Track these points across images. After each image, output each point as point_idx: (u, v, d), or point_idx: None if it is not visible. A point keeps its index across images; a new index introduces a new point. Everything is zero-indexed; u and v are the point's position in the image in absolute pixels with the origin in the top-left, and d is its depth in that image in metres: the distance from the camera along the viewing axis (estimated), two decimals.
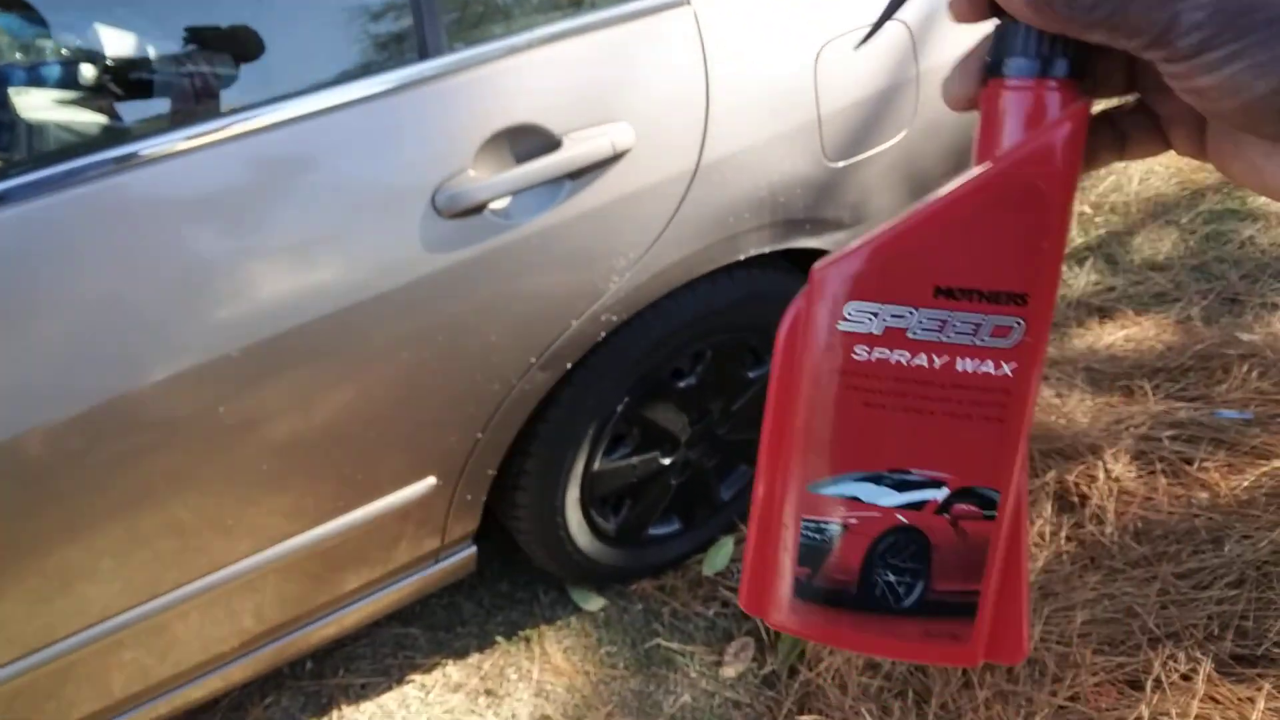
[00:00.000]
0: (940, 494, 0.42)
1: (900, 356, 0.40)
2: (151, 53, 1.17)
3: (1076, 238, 2.77)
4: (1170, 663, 1.63)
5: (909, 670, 1.68)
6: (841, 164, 1.47)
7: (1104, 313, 2.51)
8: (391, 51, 1.17)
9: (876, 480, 0.42)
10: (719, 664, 1.73)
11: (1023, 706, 1.60)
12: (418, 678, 1.68)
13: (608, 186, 1.25)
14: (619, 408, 1.52)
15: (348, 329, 1.15)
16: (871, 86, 1.47)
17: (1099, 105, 0.40)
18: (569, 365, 1.36)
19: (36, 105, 1.28)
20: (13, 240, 1.02)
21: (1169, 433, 2.03)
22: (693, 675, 1.71)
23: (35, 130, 1.35)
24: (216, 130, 1.08)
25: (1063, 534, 1.87)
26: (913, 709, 1.62)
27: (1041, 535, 1.87)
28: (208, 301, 1.09)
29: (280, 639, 1.44)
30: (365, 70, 1.15)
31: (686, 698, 1.68)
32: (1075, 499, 1.93)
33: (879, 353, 0.40)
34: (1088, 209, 2.92)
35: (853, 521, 0.43)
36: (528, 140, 1.22)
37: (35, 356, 1.03)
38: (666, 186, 1.30)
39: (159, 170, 1.06)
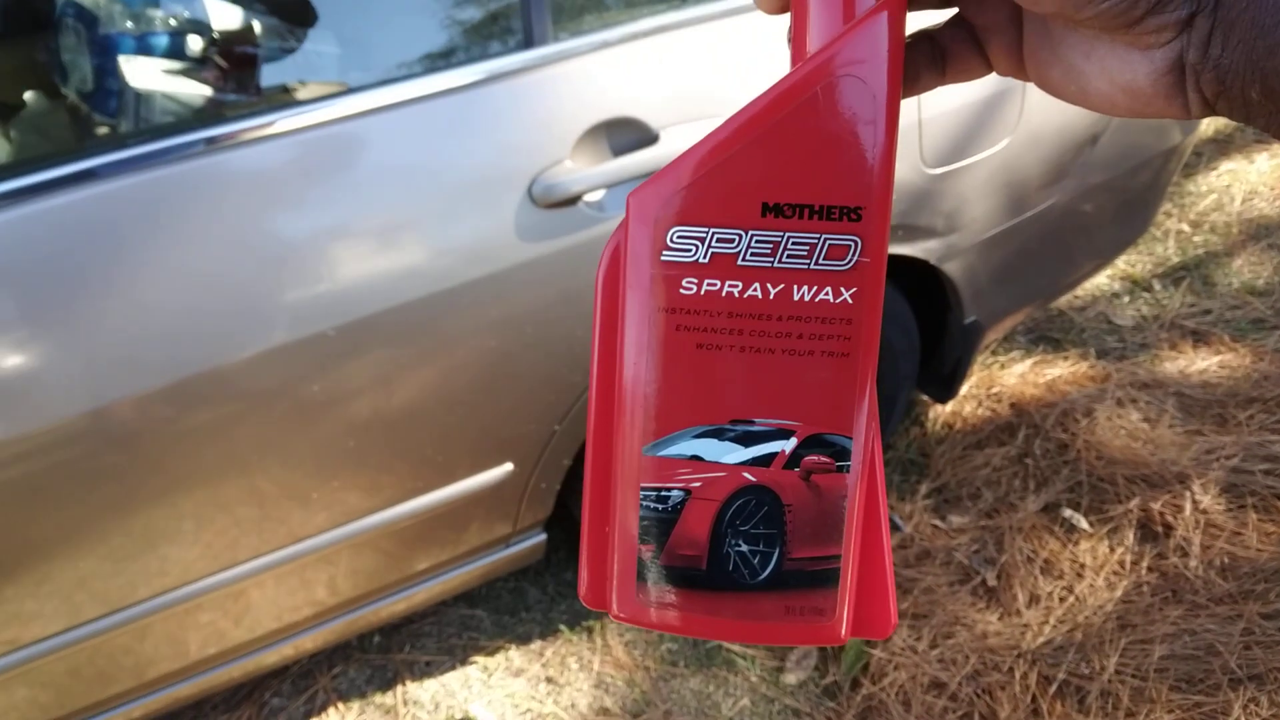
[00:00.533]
0: (788, 445, 0.38)
1: (732, 287, 0.36)
2: (257, 28, 1.19)
3: (1173, 256, 2.68)
4: (1251, 706, 1.57)
5: (976, 693, 1.64)
6: (940, 170, 1.44)
7: (1198, 336, 2.42)
8: (496, 39, 1.18)
9: (718, 435, 0.38)
10: (780, 670, 1.71)
11: None
12: (481, 659, 1.70)
13: None
14: None
15: (437, 313, 1.16)
16: (976, 92, 1.43)
17: (917, 23, 0.37)
18: None
19: (145, 74, 1.31)
20: (119, 211, 1.04)
21: (1263, 466, 1.95)
22: (753, 679, 1.70)
23: (143, 99, 1.39)
24: (318, 111, 1.09)
25: (1144, 564, 1.81)
26: None
27: (1122, 564, 1.82)
28: (302, 281, 1.11)
29: (351, 612, 1.46)
30: (469, 57, 1.16)
31: (746, 701, 1.67)
32: (1159, 529, 1.86)
33: (708, 284, 0.36)
34: (1186, 227, 2.81)
35: (696, 485, 0.38)
36: (625, 133, 1.21)
37: (133, 325, 1.06)
38: None
39: (259, 150, 1.08)
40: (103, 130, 1.44)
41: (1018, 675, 1.64)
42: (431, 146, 1.13)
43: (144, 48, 1.38)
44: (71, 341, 1.05)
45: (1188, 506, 1.87)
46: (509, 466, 1.35)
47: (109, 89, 1.47)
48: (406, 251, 1.14)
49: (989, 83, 1.44)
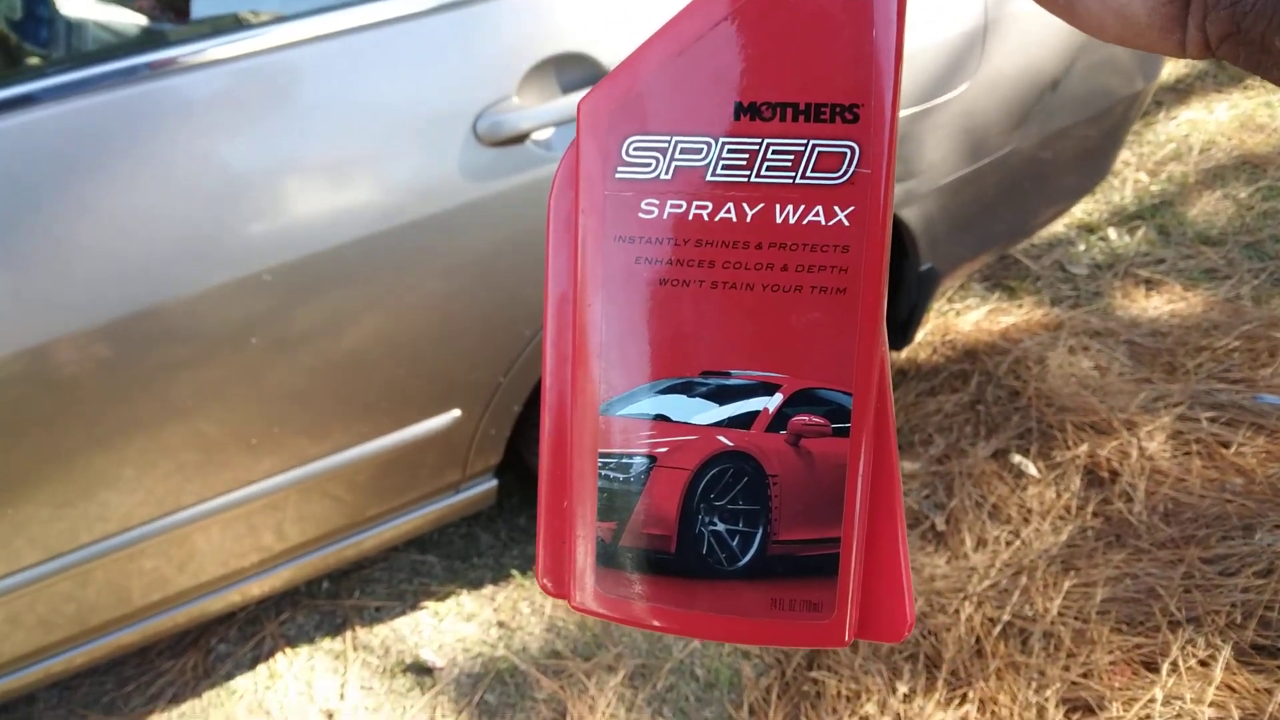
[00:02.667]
0: (772, 402, 0.31)
1: (700, 209, 0.30)
2: None
3: (1129, 205, 2.69)
4: (1189, 647, 1.61)
5: (921, 634, 1.67)
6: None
7: (1151, 285, 2.44)
8: None
9: (687, 390, 0.31)
10: None
11: (1034, 679, 1.59)
12: (432, 605, 1.69)
13: None
14: None
15: (380, 254, 1.13)
16: (936, 35, 1.41)
17: None
18: None
19: (76, 2, 1.25)
20: (47, 141, 1.00)
21: (1208, 414, 1.99)
22: None
23: (74, 28, 1.32)
24: (256, 38, 1.04)
25: (1089, 509, 1.84)
26: (923, 672, 1.62)
27: (1068, 509, 1.85)
28: (240, 217, 1.07)
29: (299, 558, 1.44)
30: None
31: (696, 643, 1.68)
32: (1106, 474, 1.89)
33: (672, 206, 0.30)
34: (1144, 175, 2.82)
35: (662, 450, 0.32)
36: (575, 70, 1.17)
37: (64, 262, 1.02)
38: None
39: (195, 78, 1.03)
40: (32, 59, 1.38)
41: (963, 617, 1.67)
42: (372, 78, 1.09)
43: None
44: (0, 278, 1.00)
45: (1134, 453, 1.90)
46: (456, 413, 1.33)
47: (39, 16, 1.40)
48: (348, 189, 1.10)
49: (949, 25, 1.42)
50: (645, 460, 0.32)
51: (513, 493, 1.85)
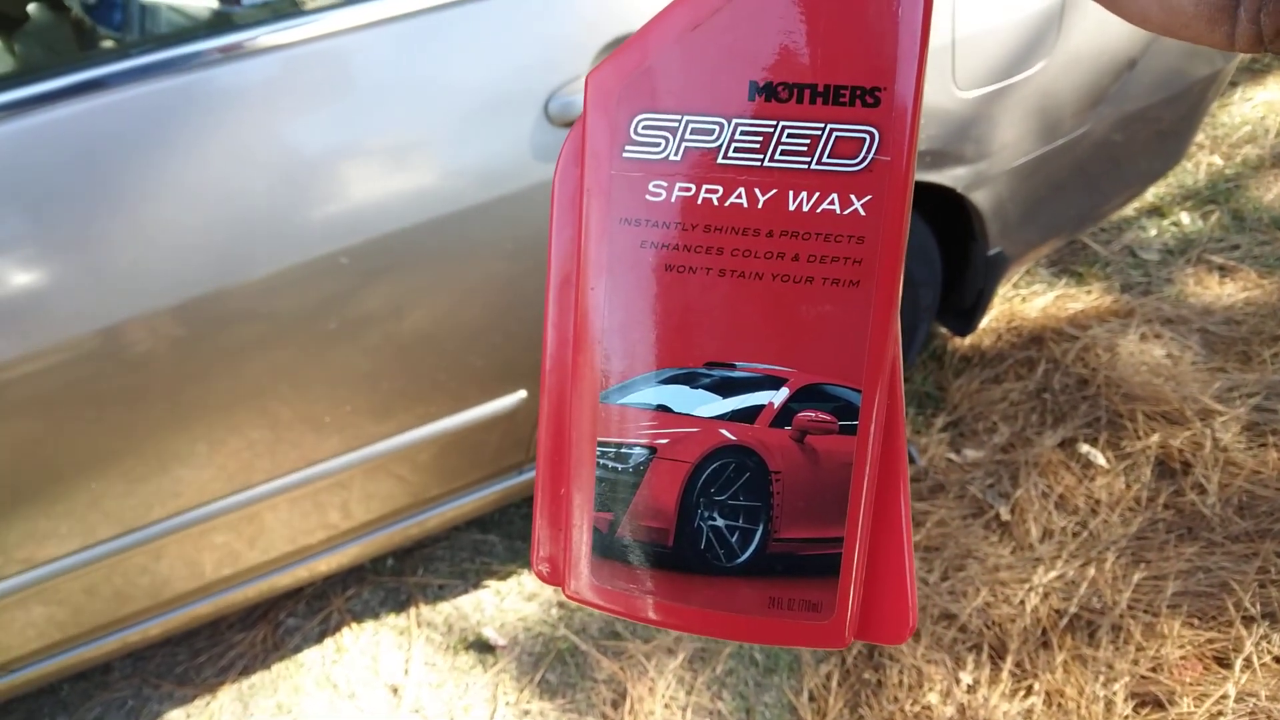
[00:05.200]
0: (778, 396, 0.30)
1: (710, 193, 0.29)
2: None
3: (1202, 189, 2.61)
4: (1264, 643, 1.57)
5: (985, 625, 1.65)
6: (972, 94, 1.38)
7: (1225, 271, 2.37)
8: None
9: (690, 381, 0.31)
10: None
11: (1102, 673, 1.55)
12: (493, 584, 1.71)
13: None
14: None
15: (452, 235, 1.13)
16: (1013, 12, 1.37)
17: None
18: None
19: None
20: (123, 123, 1.01)
21: None
22: None
23: (148, 11, 1.34)
24: (326, 23, 1.05)
25: (1160, 500, 1.80)
26: (987, 664, 1.60)
27: (1138, 500, 1.80)
28: (312, 199, 1.08)
29: (364, 536, 1.46)
30: None
31: None
32: (1177, 466, 1.85)
33: (681, 189, 0.29)
34: (1218, 159, 2.74)
35: (662, 441, 0.31)
36: None
37: (139, 242, 1.04)
38: None
39: (267, 61, 1.04)
40: (107, 43, 1.40)
41: (1028, 608, 1.64)
42: (443, 60, 1.09)
43: None
44: (78, 258, 1.02)
45: (1207, 444, 1.85)
46: (522, 394, 1.34)
47: (113, 2, 1.42)
48: (418, 171, 1.11)
49: (1027, 2, 1.38)
50: (645, 451, 0.32)
51: None
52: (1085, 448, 1.90)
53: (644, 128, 0.29)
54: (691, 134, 0.29)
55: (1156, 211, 2.56)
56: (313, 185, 1.07)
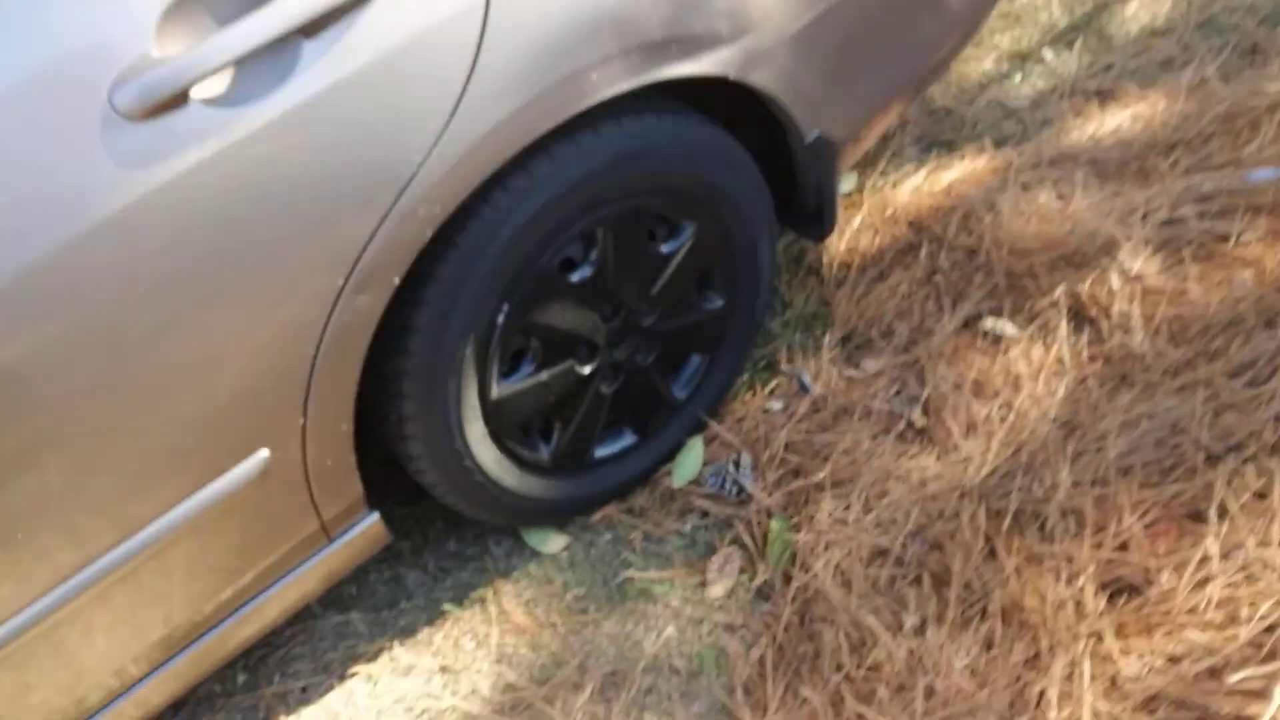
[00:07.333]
0: None
1: None
2: None
3: (1060, 20, 2.39)
4: (1236, 480, 1.34)
5: (923, 550, 1.41)
6: None
7: (1104, 95, 2.15)
8: None
9: None
10: (703, 585, 1.48)
11: (1062, 568, 1.32)
12: (362, 668, 1.46)
13: (363, 40, 0.95)
14: (499, 319, 1.24)
15: (61, 286, 0.88)
16: None
17: None
18: (397, 281, 1.08)
19: None
20: None
21: (1196, 209, 1.70)
22: (675, 604, 1.47)
23: None
24: None
25: (1084, 354, 1.57)
26: (931, 595, 1.36)
27: (1060, 361, 1.57)
28: None
29: (160, 670, 1.22)
30: None
31: (670, 630, 1.44)
32: (1094, 311, 1.62)
33: None
34: None
35: None
36: None
37: None
38: (449, 26, 0.99)
39: None
40: None
41: (965, 518, 1.41)
42: None
43: None
44: None
45: (1117, 277, 1.62)
46: (264, 453, 1.09)
47: None
48: None
49: None
50: None
51: (434, 518, 1.61)
52: (990, 321, 1.67)
53: None
54: None
55: (1019, 57, 2.34)
56: None
